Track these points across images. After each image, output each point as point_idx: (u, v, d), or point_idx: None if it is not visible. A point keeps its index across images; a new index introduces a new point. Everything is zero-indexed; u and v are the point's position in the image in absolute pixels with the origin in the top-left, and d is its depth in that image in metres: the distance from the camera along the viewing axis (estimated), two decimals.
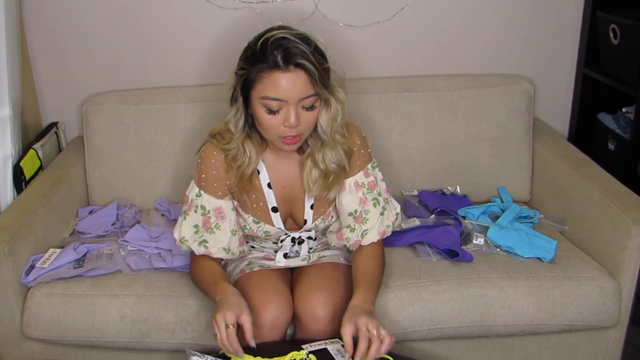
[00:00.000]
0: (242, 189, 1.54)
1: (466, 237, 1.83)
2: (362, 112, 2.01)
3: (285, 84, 1.37)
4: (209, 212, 1.54)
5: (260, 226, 1.60)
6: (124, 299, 1.64)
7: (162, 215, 2.02)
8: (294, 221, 1.64)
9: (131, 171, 2.07)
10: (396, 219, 1.64)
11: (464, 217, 1.94)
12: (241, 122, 1.48)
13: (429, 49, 2.23)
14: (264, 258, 1.66)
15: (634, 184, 1.84)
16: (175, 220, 1.96)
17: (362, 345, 1.29)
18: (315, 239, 1.69)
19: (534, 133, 2.14)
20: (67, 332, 1.64)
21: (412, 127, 2.07)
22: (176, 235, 1.58)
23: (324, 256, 1.64)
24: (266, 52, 1.36)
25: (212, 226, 1.55)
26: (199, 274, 1.55)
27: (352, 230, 1.57)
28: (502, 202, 2.07)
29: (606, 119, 2.23)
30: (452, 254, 1.74)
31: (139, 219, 2.00)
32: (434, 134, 2.08)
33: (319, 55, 1.40)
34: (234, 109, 1.48)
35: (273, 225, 1.61)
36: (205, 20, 2.13)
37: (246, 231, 1.62)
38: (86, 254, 1.78)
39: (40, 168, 2.04)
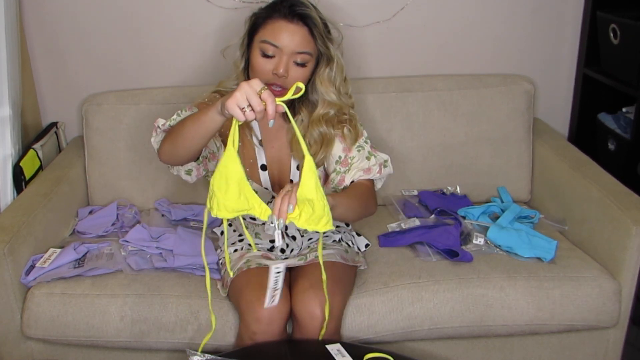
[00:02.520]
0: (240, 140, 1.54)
1: (466, 237, 1.83)
2: (362, 112, 2.01)
3: (286, 34, 1.47)
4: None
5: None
6: (124, 299, 1.64)
7: (162, 215, 2.02)
8: (281, 185, 1.66)
9: (131, 171, 2.07)
10: (386, 165, 1.63)
11: (464, 217, 1.94)
12: (242, 65, 1.59)
13: (429, 49, 2.23)
14: (262, 257, 1.66)
15: (634, 184, 1.84)
16: (175, 221, 1.97)
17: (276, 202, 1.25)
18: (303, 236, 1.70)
19: (534, 133, 2.14)
20: (67, 332, 1.64)
21: (412, 127, 2.07)
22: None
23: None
24: (278, 4, 1.50)
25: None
26: (182, 121, 1.40)
27: (338, 173, 1.61)
28: (502, 202, 2.07)
29: (606, 119, 2.23)
30: (452, 254, 1.74)
31: (139, 219, 2.00)
32: (434, 134, 2.08)
33: (324, 24, 1.53)
34: (239, 51, 1.59)
35: (261, 184, 1.64)
36: (206, 20, 2.13)
37: None
38: (86, 253, 1.78)
39: (40, 168, 2.04)
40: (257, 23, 1.53)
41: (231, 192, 1.23)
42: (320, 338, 1.47)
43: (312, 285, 1.51)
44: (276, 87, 1.49)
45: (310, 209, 1.24)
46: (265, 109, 1.20)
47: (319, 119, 1.60)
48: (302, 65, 1.50)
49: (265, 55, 1.48)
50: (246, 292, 1.51)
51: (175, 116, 1.50)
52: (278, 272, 1.30)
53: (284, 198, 1.24)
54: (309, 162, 1.23)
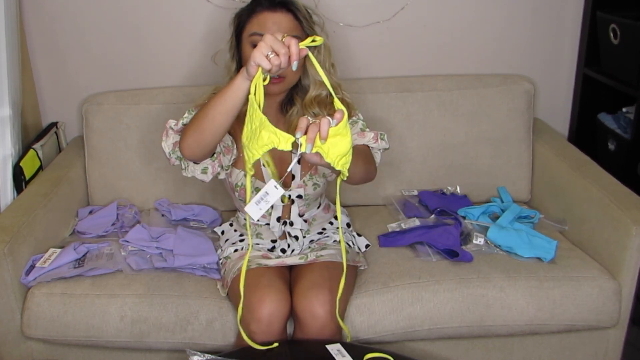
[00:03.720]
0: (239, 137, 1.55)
1: (466, 237, 1.83)
2: (362, 112, 2.00)
3: (271, 22, 1.52)
4: None
5: (251, 182, 1.61)
6: (124, 299, 1.64)
7: (162, 215, 2.02)
8: (284, 182, 1.67)
9: (131, 171, 2.07)
10: (382, 138, 1.62)
11: (464, 217, 1.94)
12: (234, 66, 1.62)
13: (429, 49, 2.23)
14: (262, 257, 1.66)
15: (634, 184, 1.84)
16: (175, 221, 1.97)
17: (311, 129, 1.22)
18: (305, 217, 1.71)
19: (534, 133, 2.14)
20: (67, 332, 1.64)
21: (412, 127, 2.07)
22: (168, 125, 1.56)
23: (321, 255, 1.64)
24: None
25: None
26: (203, 109, 1.41)
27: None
28: (502, 202, 2.07)
29: (606, 119, 2.23)
30: (452, 254, 1.74)
31: (139, 219, 2.00)
32: (434, 134, 2.08)
33: (305, 8, 1.57)
34: (229, 53, 1.63)
35: (263, 181, 1.65)
36: (205, 20, 2.13)
37: (238, 189, 1.66)
38: (86, 253, 1.78)
39: (40, 168, 2.04)
40: (242, 21, 1.58)
41: (259, 136, 1.24)
42: (348, 340, 1.50)
43: (313, 285, 1.51)
44: (278, 77, 1.52)
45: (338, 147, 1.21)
46: (289, 54, 1.24)
47: (311, 101, 1.61)
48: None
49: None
50: (246, 292, 1.50)
51: (187, 114, 1.56)
52: (275, 188, 1.28)
53: (313, 126, 1.19)
54: (337, 104, 1.23)
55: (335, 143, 1.20)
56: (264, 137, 1.22)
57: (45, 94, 2.24)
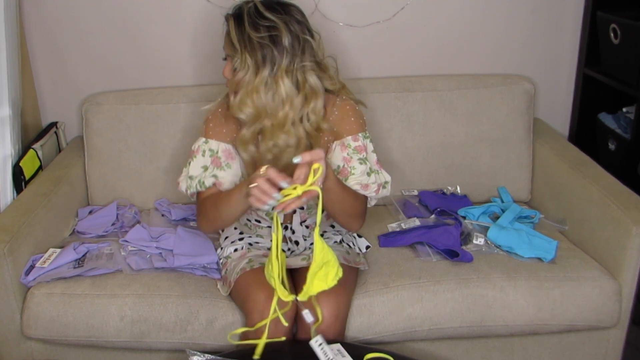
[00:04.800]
0: (243, 141, 1.56)
1: (466, 237, 1.83)
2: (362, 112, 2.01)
3: (224, 37, 1.52)
4: (217, 152, 1.59)
5: None
6: (124, 299, 1.64)
7: (162, 215, 2.02)
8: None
9: (131, 171, 2.07)
10: (385, 187, 1.62)
11: (464, 217, 1.94)
12: None
13: (429, 49, 2.23)
14: (264, 256, 1.66)
15: (634, 184, 1.84)
16: (175, 221, 1.97)
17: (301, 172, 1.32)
18: (306, 220, 1.71)
19: (534, 133, 2.14)
20: (67, 332, 1.64)
21: (412, 127, 2.07)
22: (181, 179, 1.64)
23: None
24: None
25: (222, 164, 1.59)
26: (214, 204, 1.54)
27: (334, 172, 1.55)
28: (502, 202, 2.07)
29: (606, 118, 2.23)
30: (452, 254, 1.74)
31: (139, 219, 2.00)
32: (434, 134, 2.08)
33: (265, 27, 1.45)
34: None
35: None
36: (205, 20, 2.13)
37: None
38: (86, 253, 1.78)
39: (40, 168, 2.04)
40: None
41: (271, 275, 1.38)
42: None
43: None
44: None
45: (326, 270, 1.37)
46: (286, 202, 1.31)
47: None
48: (234, 69, 1.50)
49: (224, 59, 1.56)
50: (252, 292, 1.51)
51: (189, 182, 1.62)
52: (320, 344, 1.36)
53: (293, 201, 1.31)
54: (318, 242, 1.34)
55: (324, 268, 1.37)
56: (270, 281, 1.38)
57: (45, 94, 2.24)
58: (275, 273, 1.36)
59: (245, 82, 1.48)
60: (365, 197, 1.61)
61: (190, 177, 1.61)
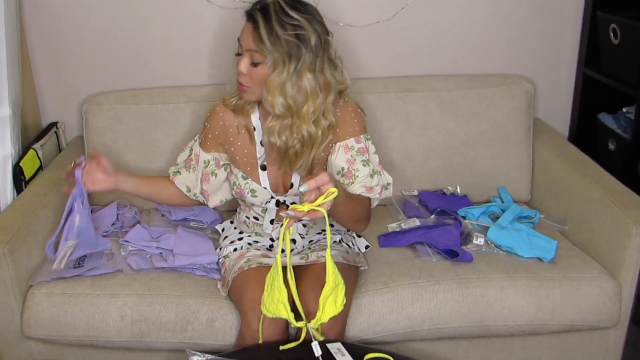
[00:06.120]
0: (271, 132, 1.57)
1: (466, 237, 1.83)
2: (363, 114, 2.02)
3: (244, 31, 1.54)
4: (209, 164, 1.73)
5: (247, 183, 1.66)
6: (124, 299, 1.64)
7: (163, 215, 2.02)
8: (282, 186, 1.68)
9: (131, 171, 2.06)
10: (387, 188, 1.64)
11: (464, 217, 1.94)
12: None
13: (429, 49, 2.23)
14: (262, 256, 1.66)
15: (634, 184, 1.84)
16: (176, 221, 1.97)
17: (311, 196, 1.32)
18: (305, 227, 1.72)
19: (534, 133, 2.14)
20: (67, 331, 1.64)
21: (412, 127, 2.07)
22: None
23: (322, 256, 1.64)
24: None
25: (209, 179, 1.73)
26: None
27: (340, 184, 1.58)
28: (502, 202, 2.07)
29: (606, 118, 2.23)
30: (452, 254, 1.74)
31: (139, 219, 2.00)
32: (434, 134, 2.08)
33: (291, 25, 1.48)
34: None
35: (259, 184, 1.66)
36: (206, 20, 2.13)
37: (235, 188, 1.68)
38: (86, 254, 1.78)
39: (40, 168, 2.04)
40: None
41: (274, 300, 1.37)
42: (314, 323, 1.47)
43: (317, 286, 1.50)
44: (240, 83, 1.56)
45: (336, 294, 1.37)
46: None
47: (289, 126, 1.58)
48: (255, 64, 1.52)
49: (237, 54, 1.56)
50: (248, 291, 1.51)
51: (173, 167, 1.78)
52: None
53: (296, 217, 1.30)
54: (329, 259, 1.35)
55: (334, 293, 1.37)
56: (279, 309, 1.37)
57: (45, 94, 2.24)
58: (284, 298, 1.35)
59: (271, 77, 1.51)
60: (369, 200, 1.62)
61: (177, 164, 1.75)
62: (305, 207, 1.28)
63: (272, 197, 1.67)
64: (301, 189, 1.29)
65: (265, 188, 1.66)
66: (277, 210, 1.69)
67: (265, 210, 1.71)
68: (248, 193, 1.66)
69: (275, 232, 1.73)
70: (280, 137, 1.56)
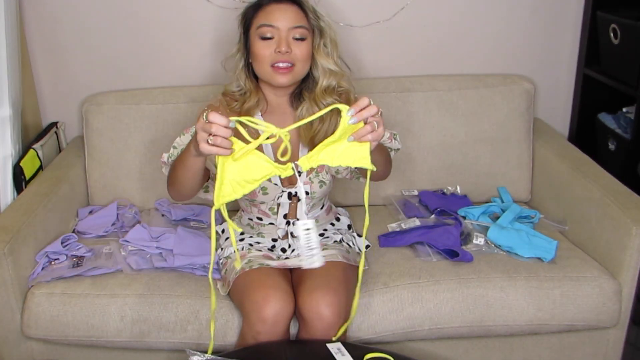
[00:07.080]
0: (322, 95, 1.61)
1: (466, 237, 1.83)
2: None
3: (278, 13, 1.54)
4: None
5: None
6: (124, 299, 1.64)
7: (163, 215, 2.02)
8: (290, 180, 1.67)
9: (131, 171, 2.07)
10: (395, 138, 1.70)
11: (464, 217, 1.94)
12: (242, 63, 1.63)
13: (429, 49, 2.23)
14: (264, 257, 1.66)
15: (634, 184, 1.84)
16: (176, 221, 1.97)
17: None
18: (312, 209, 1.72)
19: (534, 133, 2.14)
20: (67, 331, 1.64)
21: (412, 127, 2.07)
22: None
23: (322, 256, 1.64)
24: None
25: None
26: (174, 166, 1.54)
27: None
28: (502, 202, 2.07)
29: (606, 118, 2.23)
30: (452, 254, 1.74)
31: (139, 219, 2.00)
32: (434, 134, 2.08)
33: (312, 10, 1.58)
34: (235, 49, 1.64)
35: (270, 180, 1.64)
36: (206, 20, 2.13)
37: None
38: (86, 253, 1.78)
39: (40, 168, 2.04)
40: (248, 17, 1.59)
41: (253, 167, 1.27)
42: (336, 338, 1.47)
43: (318, 286, 1.51)
44: (284, 63, 1.54)
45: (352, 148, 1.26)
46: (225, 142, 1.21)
47: (322, 92, 1.62)
48: (302, 39, 1.55)
49: (264, 38, 1.54)
50: (250, 292, 1.51)
51: (172, 150, 1.61)
52: (307, 229, 1.28)
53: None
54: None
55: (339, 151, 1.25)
56: (262, 168, 1.25)
57: (45, 94, 2.24)
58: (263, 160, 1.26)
59: (319, 46, 1.59)
60: (384, 147, 1.66)
61: (174, 147, 1.63)
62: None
63: (282, 192, 1.67)
64: (349, 113, 1.23)
65: (275, 184, 1.65)
66: (289, 203, 1.68)
67: (272, 209, 1.70)
68: (259, 192, 1.65)
69: (282, 231, 1.71)
70: (327, 98, 1.60)
